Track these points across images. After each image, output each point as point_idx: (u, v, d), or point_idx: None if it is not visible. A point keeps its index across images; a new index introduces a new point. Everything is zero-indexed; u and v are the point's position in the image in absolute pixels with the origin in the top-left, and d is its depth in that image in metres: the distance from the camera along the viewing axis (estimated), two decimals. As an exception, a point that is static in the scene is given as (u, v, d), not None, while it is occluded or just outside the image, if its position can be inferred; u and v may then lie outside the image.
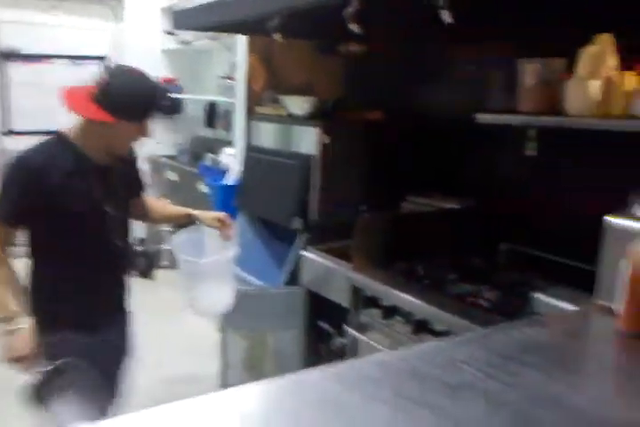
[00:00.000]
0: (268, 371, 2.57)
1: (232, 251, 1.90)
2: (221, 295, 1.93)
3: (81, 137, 1.68)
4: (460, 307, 1.75)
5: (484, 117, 1.93)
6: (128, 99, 1.63)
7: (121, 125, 1.63)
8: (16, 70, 4.76)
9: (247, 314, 2.52)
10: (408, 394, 0.95)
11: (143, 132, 1.71)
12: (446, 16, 1.53)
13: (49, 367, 1.55)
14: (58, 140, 1.69)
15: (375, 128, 2.59)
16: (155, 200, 2.12)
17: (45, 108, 4.91)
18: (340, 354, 2.15)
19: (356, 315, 2.06)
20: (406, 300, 1.86)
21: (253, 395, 0.95)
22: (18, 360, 1.58)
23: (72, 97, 1.65)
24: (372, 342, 1.92)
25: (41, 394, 1.54)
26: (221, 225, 1.94)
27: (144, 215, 2.00)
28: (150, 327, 3.71)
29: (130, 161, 1.88)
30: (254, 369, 2.65)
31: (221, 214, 1.97)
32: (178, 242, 1.90)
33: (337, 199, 2.49)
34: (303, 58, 2.95)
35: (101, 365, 1.66)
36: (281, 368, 2.49)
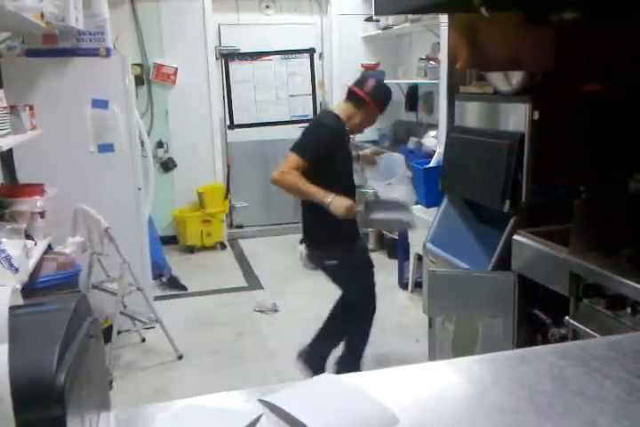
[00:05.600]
0: (478, 357, 2.52)
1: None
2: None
3: None
4: None
5: None
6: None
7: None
8: (234, 69, 5.23)
9: (453, 297, 2.49)
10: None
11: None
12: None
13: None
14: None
15: (594, 101, 2.36)
16: None
17: (259, 101, 5.33)
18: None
19: (576, 304, 1.92)
20: (635, 288, 1.68)
21: (476, 366, 0.95)
22: (348, 211, 2.44)
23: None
24: (594, 334, 1.77)
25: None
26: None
27: None
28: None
29: None
30: (463, 354, 2.62)
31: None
32: None
33: (550, 180, 2.33)
34: (508, 31, 2.79)
35: None
36: (491, 355, 2.42)
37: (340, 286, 2.80)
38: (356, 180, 2.84)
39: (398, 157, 3.15)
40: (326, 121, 2.61)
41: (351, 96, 2.66)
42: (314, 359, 2.81)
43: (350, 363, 2.80)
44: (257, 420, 0.77)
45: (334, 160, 2.54)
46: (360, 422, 0.75)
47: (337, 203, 2.42)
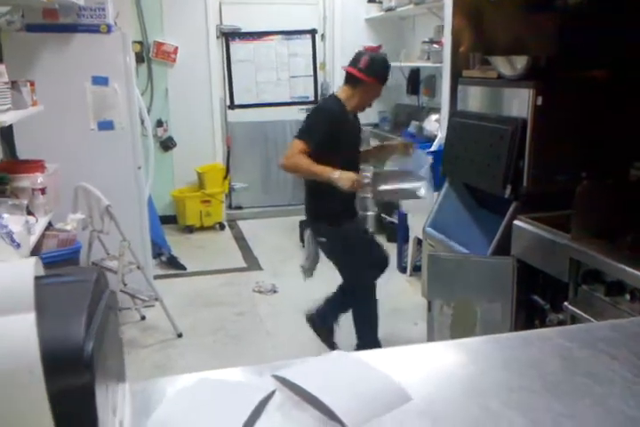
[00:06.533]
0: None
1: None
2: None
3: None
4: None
5: None
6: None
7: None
8: (235, 48, 5.18)
9: (452, 281, 2.51)
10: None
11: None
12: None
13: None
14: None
15: (597, 87, 2.35)
16: None
17: (260, 82, 5.29)
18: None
19: (575, 290, 1.94)
20: (634, 275, 1.70)
21: (482, 346, 0.97)
22: (354, 184, 2.51)
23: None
24: (593, 320, 1.79)
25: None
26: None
27: None
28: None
29: None
30: (462, 338, 2.63)
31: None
32: None
33: (552, 166, 2.33)
34: (513, 15, 2.77)
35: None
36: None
37: (335, 265, 2.85)
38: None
39: (426, 157, 3.01)
40: (324, 105, 2.73)
41: (347, 77, 2.73)
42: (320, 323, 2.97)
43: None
44: (271, 395, 0.79)
45: (335, 142, 2.62)
46: (373, 398, 0.76)
47: (343, 177, 2.52)
